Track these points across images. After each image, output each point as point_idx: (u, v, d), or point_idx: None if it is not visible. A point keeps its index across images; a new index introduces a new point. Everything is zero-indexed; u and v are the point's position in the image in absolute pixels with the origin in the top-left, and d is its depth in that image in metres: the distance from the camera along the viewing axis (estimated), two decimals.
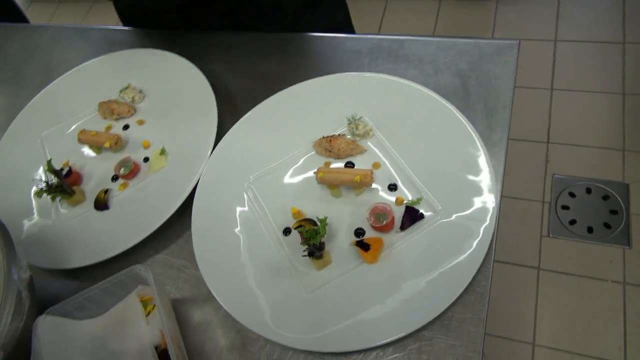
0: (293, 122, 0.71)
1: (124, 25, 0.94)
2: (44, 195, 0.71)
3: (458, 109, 0.65)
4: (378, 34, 0.79)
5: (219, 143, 0.71)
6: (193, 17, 0.88)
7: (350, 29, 1.05)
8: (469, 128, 0.63)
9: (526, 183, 1.63)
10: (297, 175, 0.66)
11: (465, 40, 0.74)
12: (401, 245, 0.58)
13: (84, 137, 0.76)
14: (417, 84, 0.68)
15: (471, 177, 0.59)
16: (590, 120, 1.72)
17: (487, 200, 0.57)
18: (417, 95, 0.67)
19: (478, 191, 0.58)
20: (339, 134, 0.67)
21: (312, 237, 0.55)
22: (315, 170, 0.64)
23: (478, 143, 0.61)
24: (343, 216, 0.62)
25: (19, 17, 1.53)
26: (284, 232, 0.62)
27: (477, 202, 0.57)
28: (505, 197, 1.61)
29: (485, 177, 0.58)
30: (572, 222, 1.50)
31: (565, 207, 1.54)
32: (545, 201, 1.58)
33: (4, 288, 0.52)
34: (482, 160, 0.60)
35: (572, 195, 1.56)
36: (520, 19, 2.03)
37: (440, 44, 0.75)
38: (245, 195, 0.66)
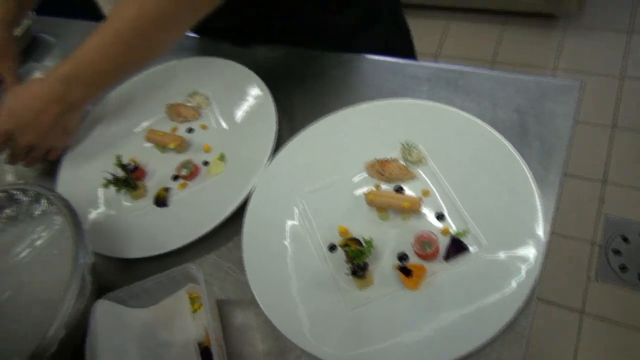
0: (348, 142, 0.73)
1: (195, 32, 1.00)
2: (110, 187, 0.77)
3: (514, 145, 0.65)
4: (438, 62, 0.81)
5: (276, 155, 0.74)
6: (254, 34, 0.92)
7: (410, 51, 1.07)
8: (522, 166, 0.63)
9: (576, 221, 1.59)
10: (347, 195, 0.69)
11: (526, 76, 0.74)
12: (443, 275, 0.59)
13: (152, 136, 0.81)
14: (474, 116, 0.69)
15: (520, 216, 0.59)
16: None
17: (535, 241, 0.57)
18: (473, 128, 0.68)
19: (526, 231, 0.58)
20: (392, 159, 0.69)
21: (356, 257, 0.57)
22: (366, 191, 0.66)
23: (531, 182, 0.61)
24: (388, 239, 0.63)
25: (96, 13, 1.64)
26: (329, 248, 0.65)
27: (524, 242, 0.57)
28: (553, 234, 1.58)
29: (534, 218, 0.59)
30: (623, 268, 1.45)
31: (616, 252, 1.48)
32: (595, 243, 1.53)
33: (71, 271, 0.57)
34: (534, 200, 0.60)
35: (625, 239, 1.50)
36: (586, 51, 1.98)
37: (500, 78, 0.75)
38: (295, 208, 0.69)
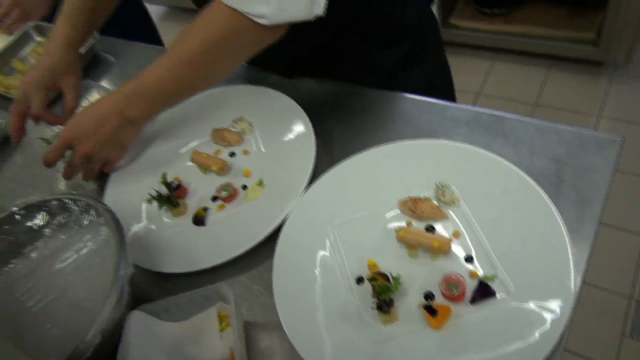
0: (383, 178, 0.75)
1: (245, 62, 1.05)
2: (154, 202, 0.81)
3: (549, 194, 0.65)
4: (478, 106, 0.82)
5: (312, 184, 0.77)
6: (301, 67, 0.96)
7: (450, 92, 1.09)
8: (556, 216, 0.63)
9: (612, 273, 1.54)
10: (378, 229, 0.70)
11: (567, 126, 0.75)
12: (468, 318, 0.59)
13: (196, 158, 0.85)
14: (510, 163, 0.70)
15: (551, 266, 0.59)
16: None
17: (564, 292, 0.57)
18: (508, 174, 0.69)
19: (556, 281, 0.58)
20: (425, 197, 0.70)
21: (383, 292, 0.58)
22: (397, 227, 0.68)
23: (564, 232, 0.61)
24: (416, 277, 0.64)
25: (154, 38, 1.73)
26: (357, 280, 0.66)
27: (553, 292, 0.57)
28: (587, 284, 1.53)
29: (565, 269, 0.59)
30: None
31: None
32: (632, 297, 1.47)
33: (112, 280, 0.60)
34: (565, 251, 0.60)
35: None
36: (632, 101, 1.95)
37: (540, 126, 0.76)
38: (327, 238, 0.71)
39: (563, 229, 0.62)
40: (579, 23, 2.02)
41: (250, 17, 0.70)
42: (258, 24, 0.70)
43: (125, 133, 0.84)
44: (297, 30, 0.75)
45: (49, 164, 0.84)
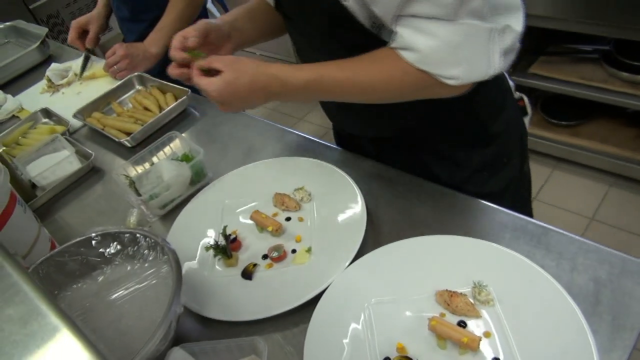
0: (425, 266, 0.79)
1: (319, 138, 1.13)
2: (210, 250, 0.88)
3: (584, 312, 0.67)
4: (527, 217, 0.85)
5: (358, 259, 0.82)
6: (384, 146, 1.02)
7: (524, 203, 1.08)
8: (588, 335, 0.64)
9: None
10: (411, 314, 0.73)
11: (611, 250, 0.77)
12: None
13: (255, 217, 0.93)
14: (550, 275, 0.72)
15: None
16: None
17: None
18: (546, 287, 0.71)
19: None
20: (461, 293, 0.73)
21: None
22: (430, 316, 0.71)
23: (594, 354, 0.62)
24: None
25: None
26: None
27: None
28: None
29: None
30: None
31: None
32: None
33: (164, 315, 0.67)
34: None
35: None
36: None
37: (584, 245, 0.78)
38: (362, 313, 0.75)
39: (594, 350, 0.63)
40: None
41: (440, 79, 0.72)
42: (445, 84, 0.72)
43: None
44: (392, 112, 0.80)
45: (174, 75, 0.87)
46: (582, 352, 0.63)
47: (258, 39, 1.00)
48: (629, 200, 2.07)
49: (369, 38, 0.77)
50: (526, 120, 1.04)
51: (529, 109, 1.03)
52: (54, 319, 0.34)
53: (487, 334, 0.69)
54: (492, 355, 0.66)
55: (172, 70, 0.87)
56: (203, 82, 0.80)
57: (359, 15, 0.74)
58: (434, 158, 0.98)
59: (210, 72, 0.81)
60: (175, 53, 0.86)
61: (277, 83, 0.79)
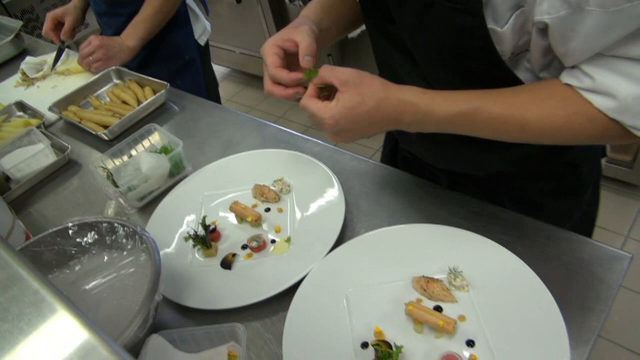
0: (402, 253, 0.80)
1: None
2: (190, 241, 0.88)
3: (556, 298, 0.69)
4: (498, 206, 0.87)
5: (335, 249, 0.83)
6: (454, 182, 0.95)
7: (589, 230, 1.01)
8: (560, 319, 0.66)
9: None
10: (389, 300, 0.75)
11: (582, 238, 0.79)
12: None
13: (235, 207, 0.93)
14: (524, 263, 0.74)
15: None
16: None
17: None
18: (519, 272, 0.73)
19: None
20: (437, 279, 0.75)
21: (384, 358, 0.62)
22: (407, 302, 0.72)
23: (564, 335, 0.64)
24: (417, 351, 0.68)
25: (214, 95, 1.89)
26: (362, 345, 0.70)
27: None
28: None
29: None
30: None
31: None
32: None
33: (142, 303, 0.66)
34: (564, 353, 0.63)
35: None
36: None
37: (556, 232, 0.81)
38: (340, 301, 0.76)
39: (565, 332, 0.65)
40: (617, 144, 2.08)
41: (633, 130, 0.61)
42: (631, 133, 0.61)
43: None
44: (506, 148, 0.73)
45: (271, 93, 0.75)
46: (554, 335, 0.65)
47: (337, 38, 0.88)
48: (603, 197, 2.13)
49: (501, 71, 0.67)
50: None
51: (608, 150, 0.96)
52: (33, 283, 0.34)
53: (461, 318, 0.70)
54: (467, 338, 0.68)
55: (271, 89, 0.74)
56: (315, 106, 0.68)
57: (506, 42, 0.64)
58: (512, 201, 0.89)
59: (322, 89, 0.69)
60: (280, 74, 0.72)
61: (413, 111, 0.67)
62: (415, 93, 0.68)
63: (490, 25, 0.62)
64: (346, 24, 0.88)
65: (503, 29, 0.62)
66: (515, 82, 0.68)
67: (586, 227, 0.99)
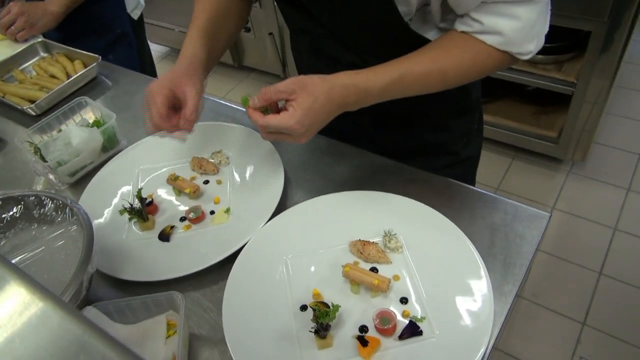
0: (339, 220, 0.82)
1: None
2: (125, 214, 0.86)
3: (481, 255, 0.74)
4: (431, 173, 0.91)
5: (274, 218, 0.84)
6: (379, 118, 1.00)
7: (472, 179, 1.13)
8: (484, 273, 0.71)
9: (552, 358, 1.61)
10: (327, 264, 0.77)
11: (506, 199, 0.84)
12: (394, 352, 0.65)
13: (172, 180, 0.92)
14: (453, 223, 0.78)
15: (474, 317, 0.67)
16: (634, 317, 1.70)
17: (481, 341, 0.64)
18: (449, 232, 0.77)
19: (476, 330, 0.65)
20: (373, 242, 0.78)
21: (322, 317, 0.64)
22: (344, 264, 0.74)
23: (488, 288, 0.69)
24: (354, 310, 0.70)
25: (151, 71, 1.84)
26: (301, 307, 0.72)
27: (472, 340, 0.64)
28: (497, 349, 1.59)
29: (485, 320, 0.66)
30: None
31: None
32: None
33: (74, 273, 0.65)
34: (487, 305, 0.67)
35: None
36: (585, 198, 2.10)
37: (482, 195, 0.86)
38: (280, 267, 0.77)
39: (487, 285, 0.70)
40: (544, 122, 2.21)
41: (518, 56, 0.75)
42: (519, 59, 0.75)
43: None
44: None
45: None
46: (479, 289, 0.69)
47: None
48: (529, 171, 2.26)
49: (407, 34, 0.78)
50: None
51: None
52: None
53: (396, 277, 0.74)
54: (401, 296, 0.71)
55: (160, 124, 0.81)
56: (276, 120, 0.72)
57: (408, 4, 0.74)
58: (427, 129, 1.00)
59: (265, 111, 0.75)
60: (168, 115, 0.82)
61: (354, 92, 0.73)
62: (351, 76, 0.74)
63: None
64: (233, 33, 0.96)
65: None
66: (423, 42, 0.79)
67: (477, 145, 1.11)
